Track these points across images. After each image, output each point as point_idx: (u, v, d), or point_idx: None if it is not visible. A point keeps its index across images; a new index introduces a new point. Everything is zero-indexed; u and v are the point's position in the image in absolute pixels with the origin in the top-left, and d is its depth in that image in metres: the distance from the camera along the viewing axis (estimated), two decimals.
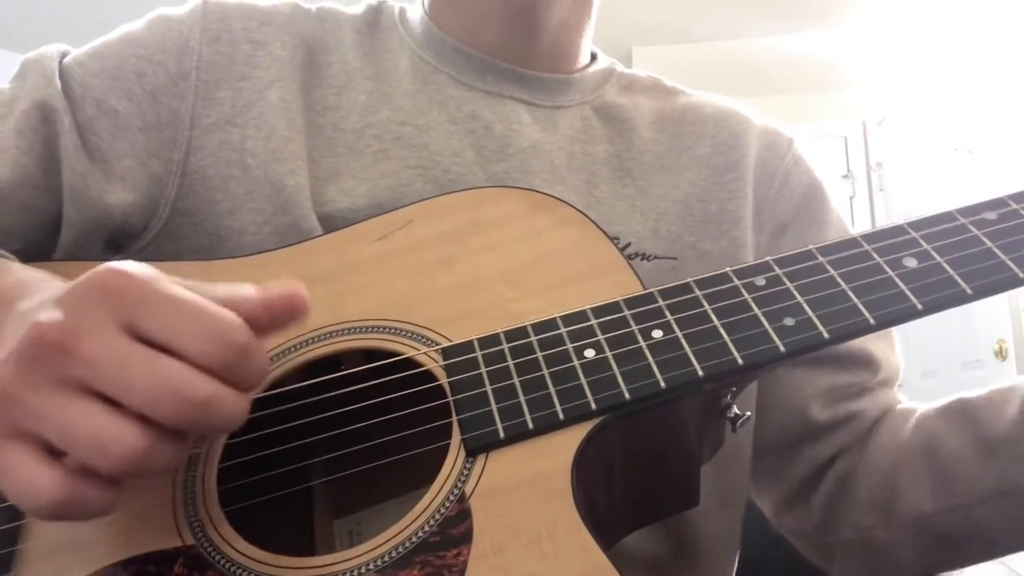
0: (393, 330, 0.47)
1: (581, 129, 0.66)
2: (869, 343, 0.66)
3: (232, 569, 0.39)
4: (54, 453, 0.34)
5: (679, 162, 0.67)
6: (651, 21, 3.48)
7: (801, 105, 3.73)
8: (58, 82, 0.56)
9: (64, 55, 0.60)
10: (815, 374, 0.65)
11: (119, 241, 0.59)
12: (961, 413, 0.60)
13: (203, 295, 0.36)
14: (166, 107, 0.58)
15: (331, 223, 0.56)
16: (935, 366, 3.27)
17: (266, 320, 0.38)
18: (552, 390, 0.42)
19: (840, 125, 3.75)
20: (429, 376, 0.45)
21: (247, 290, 0.38)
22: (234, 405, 0.35)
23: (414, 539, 0.39)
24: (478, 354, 0.45)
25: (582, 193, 0.63)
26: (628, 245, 0.61)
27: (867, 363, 0.66)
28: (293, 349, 0.48)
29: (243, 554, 0.40)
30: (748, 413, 0.47)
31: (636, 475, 0.46)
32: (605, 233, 0.51)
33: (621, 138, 0.67)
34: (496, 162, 0.62)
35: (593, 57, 0.72)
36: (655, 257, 0.62)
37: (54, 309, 0.34)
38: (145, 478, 0.35)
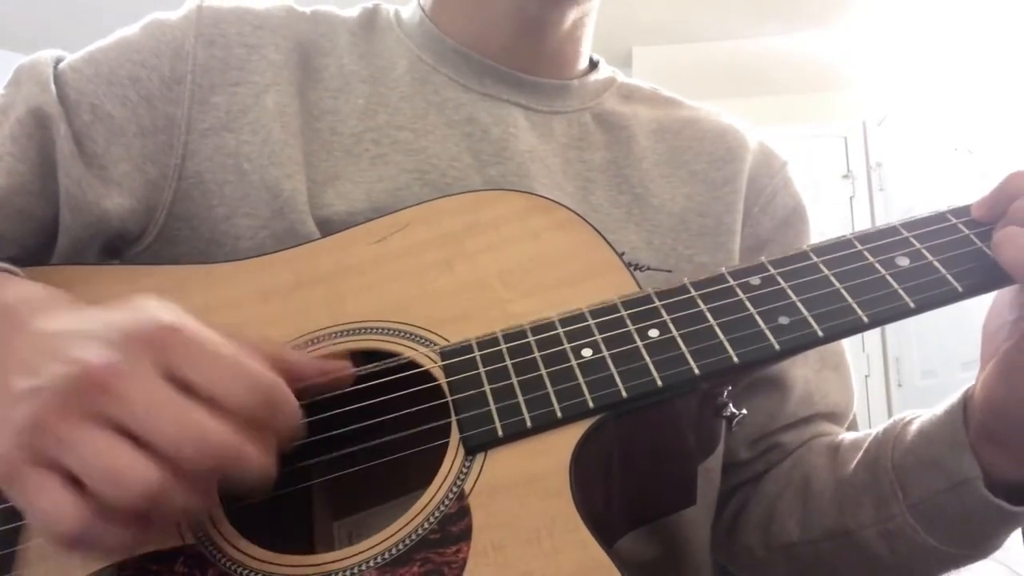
0: (392, 331, 0.48)
1: (578, 136, 0.66)
2: (814, 375, 0.67)
3: (233, 567, 0.39)
4: (79, 485, 0.34)
5: (676, 175, 0.67)
6: (651, 21, 3.48)
7: (801, 105, 3.73)
8: (53, 88, 0.56)
9: (59, 60, 0.59)
10: (753, 410, 0.65)
11: (116, 246, 0.59)
12: (836, 451, 0.62)
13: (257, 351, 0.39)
14: (161, 112, 0.58)
15: (328, 227, 0.56)
16: (935, 366, 3.27)
17: (315, 373, 0.42)
18: (550, 389, 0.43)
19: (840, 125, 3.75)
20: (428, 376, 0.45)
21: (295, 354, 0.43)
22: (256, 460, 0.37)
23: (414, 536, 0.39)
24: (476, 354, 0.45)
25: (578, 200, 0.63)
26: (623, 254, 0.61)
27: (800, 397, 0.67)
28: None
29: (244, 552, 0.40)
30: (743, 411, 0.47)
31: (634, 473, 0.46)
32: (602, 235, 0.51)
33: (619, 146, 0.67)
34: (492, 166, 0.62)
35: (595, 65, 0.72)
36: (648, 268, 0.62)
37: (103, 348, 0.35)
38: (162, 522, 0.36)
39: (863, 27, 3.63)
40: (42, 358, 0.36)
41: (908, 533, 0.53)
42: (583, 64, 0.70)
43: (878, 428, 0.59)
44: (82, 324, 0.38)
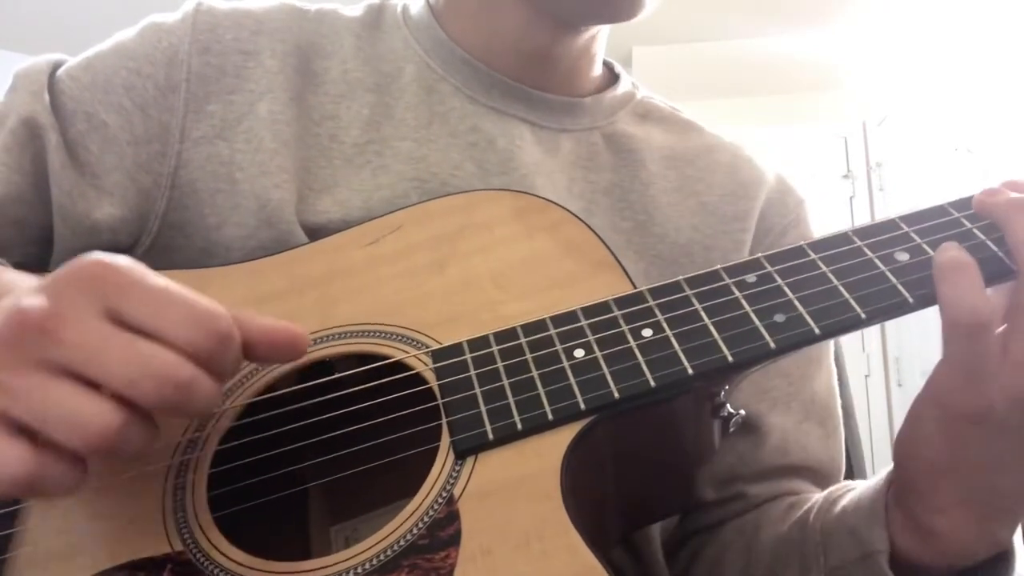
0: (384, 334, 0.47)
1: (586, 156, 0.65)
2: (793, 426, 0.64)
3: (221, 575, 0.39)
4: (25, 433, 0.34)
5: (685, 204, 0.65)
6: (651, 21, 3.44)
7: (802, 105, 3.72)
8: (47, 97, 0.56)
9: (58, 66, 0.59)
10: (721, 451, 0.62)
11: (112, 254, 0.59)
12: (791, 507, 0.60)
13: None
14: (155, 120, 0.58)
15: (323, 234, 0.55)
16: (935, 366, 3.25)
17: (263, 346, 0.40)
18: (541, 391, 0.42)
19: (840, 125, 3.74)
20: (420, 379, 0.45)
21: (252, 313, 0.40)
22: (211, 391, 0.36)
23: (402, 542, 0.39)
24: (467, 356, 0.44)
25: None
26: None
27: (775, 445, 0.63)
28: None
29: (232, 560, 0.40)
30: (741, 411, 0.47)
31: (630, 476, 0.46)
32: (597, 234, 0.50)
33: (627, 169, 0.65)
34: (497, 175, 0.61)
35: (617, 78, 0.70)
36: None
37: (37, 295, 0.35)
38: (116, 459, 0.36)
39: (863, 27, 3.62)
40: None
41: None
42: (596, 72, 0.68)
43: (821, 493, 0.58)
44: (27, 284, 0.37)
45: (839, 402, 0.68)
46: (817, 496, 0.59)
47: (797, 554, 0.54)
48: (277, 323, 0.40)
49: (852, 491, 0.54)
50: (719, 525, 0.64)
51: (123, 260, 0.36)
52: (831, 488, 0.57)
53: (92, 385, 0.34)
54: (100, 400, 0.34)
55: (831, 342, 0.69)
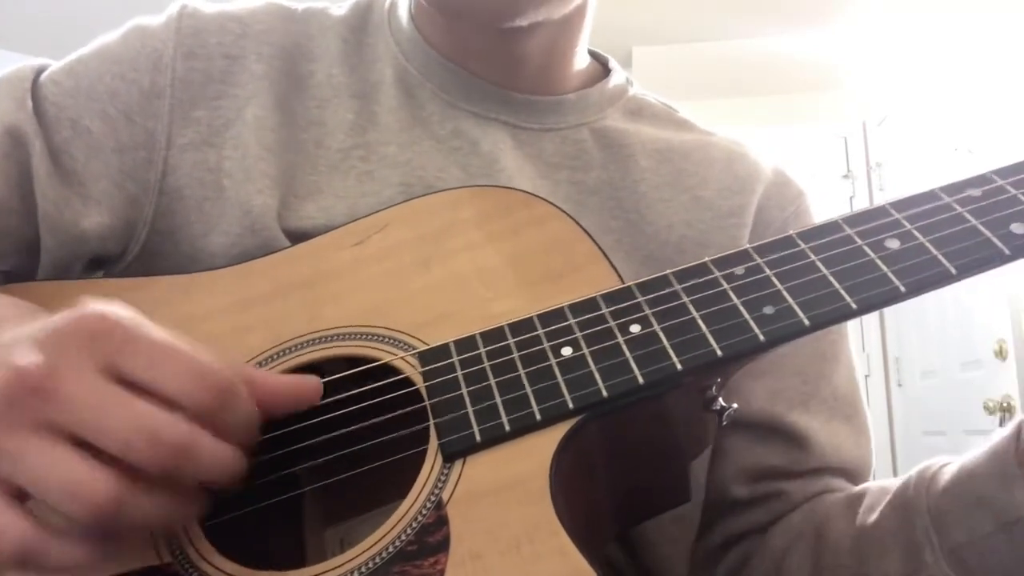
0: (371, 336, 0.47)
1: (572, 154, 0.63)
2: (821, 426, 0.61)
3: None
4: (26, 499, 0.33)
5: (678, 200, 0.63)
6: (651, 21, 3.47)
7: (802, 105, 3.72)
8: (30, 104, 0.55)
9: (41, 71, 0.58)
10: (746, 450, 0.61)
11: (100, 263, 0.58)
12: (857, 499, 0.57)
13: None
14: (140, 127, 0.57)
15: (306, 240, 0.54)
16: (935, 366, 3.24)
17: (269, 400, 0.40)
18: (529, 390, 0.41)
19: (840, 125, 3.74)
20: (408, 381, 0.44)
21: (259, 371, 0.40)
22: (216, 453, 0.35)
23: (391, 549, 0.38)
24: (454, 358, 0.44)
25: None
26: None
27: (805, 446, 0.61)
28: (273, 359, 0.47)
29: (220, 570, 0.40)
30: (734, 405, 0.46)
31: (621, 473, 0.45)
32: (582, 227, 0.50)
33: (617, 165, 0.63)
34: (482, 179, 0.59)
35: (608, 72, 0.68)
36: None
37: (34, 351, 0.34)
38: (129, 534, 0.35)
39: (863, 27, 3.62)
40: None
41: None
42: (578, 68, 0.66)
43: (911, 471, 0.54)
44: (20, 331, 0.36)
45: (863, 397, 0.66)
46: (895, 481, 0.55)
47: (899, 542, 0.50)
48: (285, 379, 0.41)
49: (950, 464, 0.50)
50: (765, 528, 0.61)
51: (123, 312, 0.36)
52: (920, 467, 0.53)
53: (94, 448, 0.33)
54: (97, 467, 0.32)
55: (847, 336, 0.66)
